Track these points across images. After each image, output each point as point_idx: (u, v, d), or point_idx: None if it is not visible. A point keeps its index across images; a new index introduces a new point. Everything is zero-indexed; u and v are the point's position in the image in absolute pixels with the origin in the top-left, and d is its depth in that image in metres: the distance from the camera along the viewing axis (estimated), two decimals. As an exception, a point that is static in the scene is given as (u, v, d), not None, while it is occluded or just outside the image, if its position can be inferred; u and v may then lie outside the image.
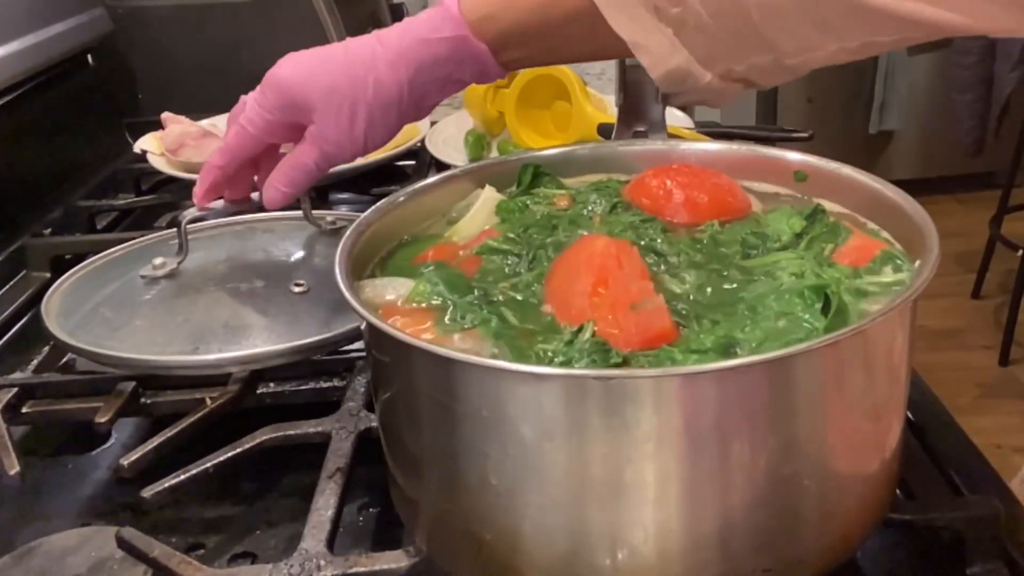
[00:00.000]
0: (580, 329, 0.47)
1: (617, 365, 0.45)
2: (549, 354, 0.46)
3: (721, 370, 0.42)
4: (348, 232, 0.55)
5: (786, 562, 0.46)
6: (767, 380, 0.42)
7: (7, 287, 0.94)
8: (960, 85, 3.18)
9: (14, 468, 0.60)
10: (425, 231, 0.62)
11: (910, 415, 0.63)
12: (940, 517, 0.53)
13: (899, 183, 0.56)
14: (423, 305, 0.52)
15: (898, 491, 0.58)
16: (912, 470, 0.58)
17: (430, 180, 0.59)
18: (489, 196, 0.63)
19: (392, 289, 0.54)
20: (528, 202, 0.63)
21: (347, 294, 0.48)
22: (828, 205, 0.60)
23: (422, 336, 0.49)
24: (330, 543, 0.52)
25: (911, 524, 0.54)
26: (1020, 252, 2.62)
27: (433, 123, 1.22)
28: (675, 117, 1.17)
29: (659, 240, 0.57)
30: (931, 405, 0.66)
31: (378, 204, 0.59)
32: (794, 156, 0.63)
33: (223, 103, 1.24)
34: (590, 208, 0.62)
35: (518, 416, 0.43)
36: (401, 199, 0.60)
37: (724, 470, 0.43)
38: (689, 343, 0.46)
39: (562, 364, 0.46)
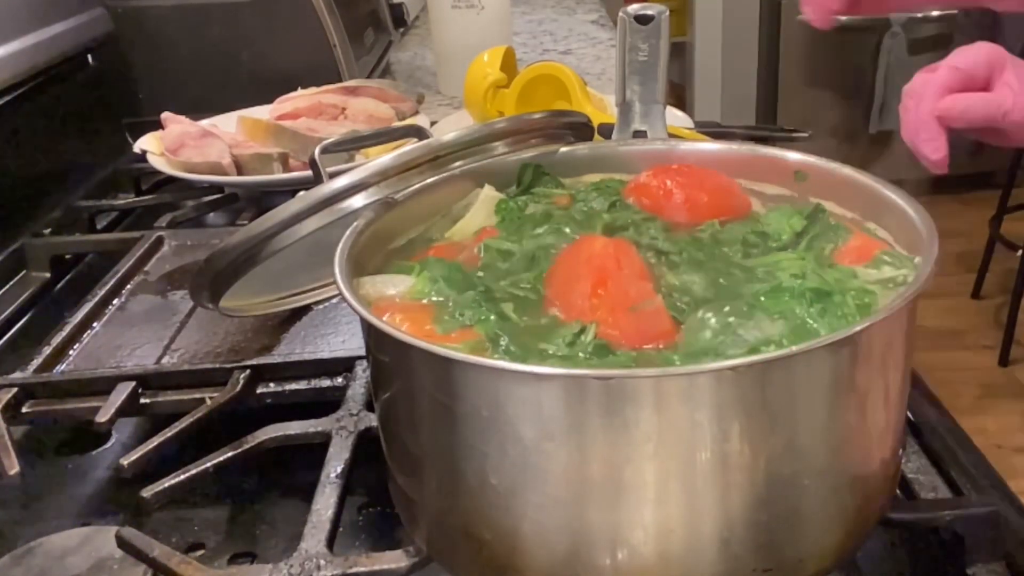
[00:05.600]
0: (583, 331, 0.47)
1: (621, 366, 0.45)
2: (551, 354, 0.46)
3: (720, 370, 0.42)
4: (348, 233, 0.55)
5: (787, 562, 0.46)
6: (767, 380, 0.42)
7: (7, 287, 0.95)
8: (960, 85, 3.17)
9: (14, 468, 0.60)
10: (425, 231, 0.62)
11: (910, 415, 0.63)
12: (940, 517, 0.53)
13: (899, 183, 0.56)
14: (423, 302, 0.52)
15: (898, 491, 0.58)
16: (912, 470, 0.58)
17: (430, 180, 0.59)
18: (488, 195, 0.63)
19: (392, 286, 0.54)
20: (528, 201, 0.63)
21: (346, 292, 0.48)
22: (827, 205, 0.60)
23: (421, 333, 0.49)
24: (330, 543, 0.52)
25: (911, 524, 0.54)
26: (1020, 252, 2.63)
27: (433, 123, 1.22)
28: (675, 117, 1.16)
29: (660, 238, 0.57)
30: (931, 405, 0.66)
31: (377, 202, 0.59)
32: (794, 156, 0.63)
33: (223, 103, 1.26)
34: (590, 206, 0.62)
35: (518, 416, 0.43)
36: (400, 198, 0.60)
37: (724, 470, 0.43)
38: (689, 343, 0.47)
39: (565, 363, 0.46)
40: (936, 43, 3.26)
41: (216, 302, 0.63)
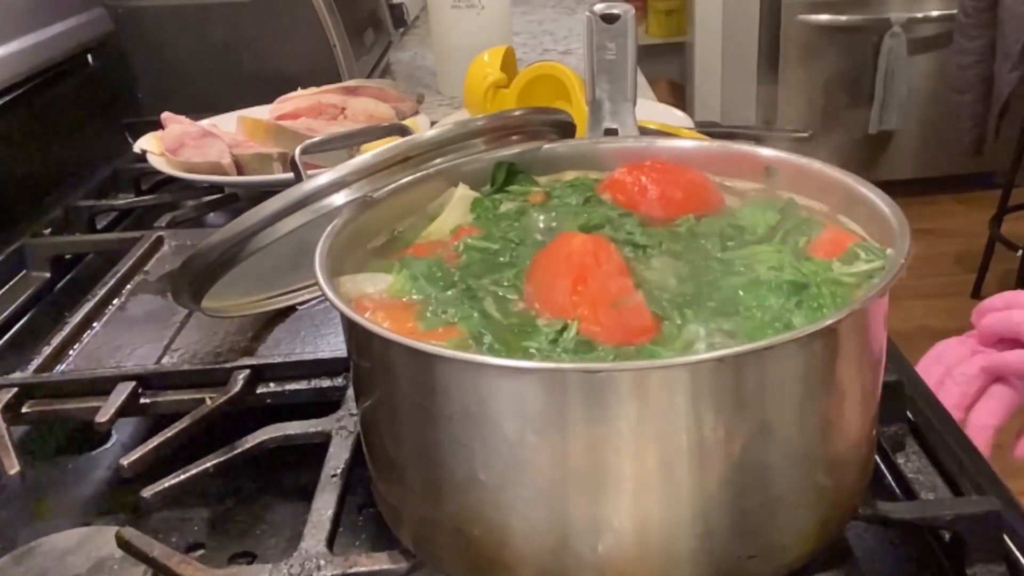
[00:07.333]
0: (564, 328, 0.47)
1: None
2: (533, 351, 0.47)
3: (699, 362, 0.43)
4: (326, 232, 0.55)
5: (770, 548, 0.47)
6: (745, 371, 0.43)
7: (7, 287, 0.94)
8: (960, 85, 3.18)
9: (14, 468, 0.60)
10: (402, 230, 0.61)
11: (910, 415, 0.63)
12: (940, 517, 0.53)
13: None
14: (403, 300, 0.52)
15: (898, 491, 0.58)
16: (912, 470, 0.58)
17: (408, 178, 0.59)
18: (463, 194, 0.62)
19: (371, 284, 0.54)
20: (503, 199, 0.63)
21: (328, 292, 0.48)
22: (800, 200, 0.60)
23: (404, 331, 0.49)
24: (330, 543, 0.52)
25: (911, 524, 0.54)
26: (1020, 252, 2.63)
27: (433, 123, 1.22)
28: (675, 117, 1.17)
29: (637, 233, 0.57)
30: (931, 405, 0.66)
31: (356, 201, 0.58)
32: (766, 152, 0.64)
33: (223, 103, 1.26)
34: (566, 203, 0.62)
35: (499, 411, 0.43)
36: (378, 197, 0.59)
37: (706, 460, 0.44)
38: (670, 337, 0.47)
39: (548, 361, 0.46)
40: (936, 43, 3.26)
41: (197, 302, 0.63)
